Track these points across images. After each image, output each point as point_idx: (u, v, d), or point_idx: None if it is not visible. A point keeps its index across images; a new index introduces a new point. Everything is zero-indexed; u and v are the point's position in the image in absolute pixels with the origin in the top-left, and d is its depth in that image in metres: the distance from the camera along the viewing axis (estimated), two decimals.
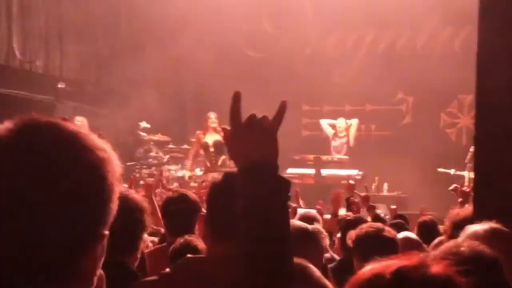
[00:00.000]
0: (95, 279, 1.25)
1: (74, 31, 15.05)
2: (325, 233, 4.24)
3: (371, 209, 7.61)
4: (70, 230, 1.18)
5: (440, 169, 12.99)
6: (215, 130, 13.12)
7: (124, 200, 2.39)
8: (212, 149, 13.09)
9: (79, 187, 1.19)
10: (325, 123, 14.88)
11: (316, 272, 2.85)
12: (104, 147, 1.25)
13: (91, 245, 1.22)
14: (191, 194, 4.85)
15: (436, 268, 1.41)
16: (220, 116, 13.69)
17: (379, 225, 4.49)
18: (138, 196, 3.38)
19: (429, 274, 1.40)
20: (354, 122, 14.64)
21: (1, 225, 1.16)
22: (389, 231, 4.33)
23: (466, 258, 2.27)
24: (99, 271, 1.27)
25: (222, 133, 12.56)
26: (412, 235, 5.01)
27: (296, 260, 2.79)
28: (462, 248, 2.35)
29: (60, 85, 14.68)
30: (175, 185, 11.95)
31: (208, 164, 13.02)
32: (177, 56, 15.42)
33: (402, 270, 1.41)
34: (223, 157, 12.95)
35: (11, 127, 1.22)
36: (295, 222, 3.94)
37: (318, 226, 4.40)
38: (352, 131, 14.53)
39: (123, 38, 15.78)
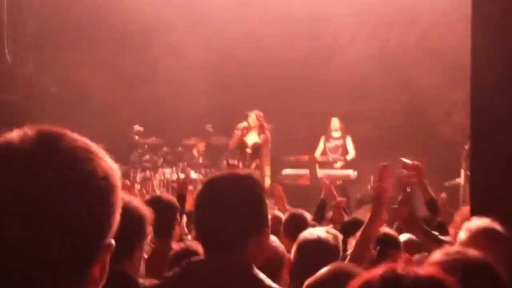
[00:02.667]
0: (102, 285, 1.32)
1: (65, 36, 15.03)
2: (340, 236, 4.20)
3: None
4: (80, 239, 1.23)
5: (447, 183, 12.71)
6: (259, 128, 12.89)
7: (125, 208, 2.40)
8: (249, 150, 12.82)
9: (90, 200, 1.25)
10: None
11: None
12: (104, 154, 1.30)
13: (99, 254, 1.28)
14: (165, 195, 4.93)
15: (425, 271, 1.41)
16: (213, 115, 13.65)
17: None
18: (139, 203, 3.32)
19: (419, 276, 1.39)
20: (349, 139, 14.52)
21: (15, 229, 1.19)
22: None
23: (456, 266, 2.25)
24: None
25: (263, 135, 12.52)
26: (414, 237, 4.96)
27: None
28: (456, 256, 2.32)
29: (52, 89, 14.65)
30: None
31: (241, 165, 12.60)
32: (168, 58, 15.39)
33: (391, 273, 1.42)
34: (256, 160, 12.78)
35: (30, 136, 1.26)
36: (321, 234, 3.85)
37: (332, 230, 4.32)
38: (350, 146, 14.43)
39: (112, 39, 15.68)
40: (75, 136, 1.29)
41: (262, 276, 2.62)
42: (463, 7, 4.46)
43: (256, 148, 12.79)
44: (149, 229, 3.35)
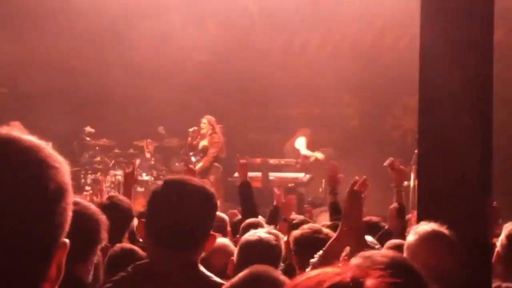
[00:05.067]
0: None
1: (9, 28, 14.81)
2: (282, 236, 4.20)
3: None
4: (37, 238, 1.24)
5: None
6: (211, 131, 13.39)
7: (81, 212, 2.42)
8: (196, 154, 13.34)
9: (44, 202, 1.25)
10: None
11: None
12: (59, 158, 1.31)
13: (54, 252, 1.28)
14: (124, 202, 4.86)
15: (371, 283, 1.37)
16: (166, 120, 13.61)
17: (317, 226, 4.45)
18: (94, 208, 3.27)
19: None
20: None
21: None
22: (327, 233, 4.28)
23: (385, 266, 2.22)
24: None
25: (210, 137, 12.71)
26: (369, 238, 4.96)
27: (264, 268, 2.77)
28: (379, 258, 2.29)
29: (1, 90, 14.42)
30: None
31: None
32: (122, 62, 15.25)
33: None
34: (201, 163, 13.17)
35: None
36: (263, 235, 3.85)
37: (273, 230, 4.31)
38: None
39: (63, 38, 15.46)
40: (24, 135, 1.29)
41: (209, 273, 2.76)
42: (417, 9, 4.47)
43: (205, 150, 13.19)
44: (104, 234, 3.33)
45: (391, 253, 2.45)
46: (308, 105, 16.23)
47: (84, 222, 3.05)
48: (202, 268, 2.75)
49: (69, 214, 1.31)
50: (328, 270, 1.36)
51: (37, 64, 15.09)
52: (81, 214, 2.94)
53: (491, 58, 3.99)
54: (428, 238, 3.27)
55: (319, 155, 14.49)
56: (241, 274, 2.64)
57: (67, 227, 1.31)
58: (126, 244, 4.05)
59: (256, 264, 2.85)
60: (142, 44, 15.26)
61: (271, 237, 3.84)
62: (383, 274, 1.37)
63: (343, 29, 16.08)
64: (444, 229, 3.33)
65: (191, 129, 13.62)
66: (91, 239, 3.17)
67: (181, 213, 2.72)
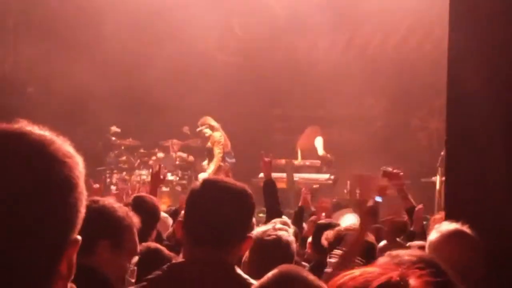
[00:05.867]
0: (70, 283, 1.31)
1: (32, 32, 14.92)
2: (291, 228, 4.20)
3: None
4: (46, 237, 1.22)
5: (423, 180, 12.92)
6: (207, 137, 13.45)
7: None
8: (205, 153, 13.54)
9: (52, 197, 1.23)
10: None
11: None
12: (70, 152, 1.28)
13: (64, 248, 1.26)
14: (151, 202, 4.87)
15: (414, 282, 1.36)
16: (191, 120, 13.69)
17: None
18: (120, 206, 3.27)
19: None
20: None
21: None
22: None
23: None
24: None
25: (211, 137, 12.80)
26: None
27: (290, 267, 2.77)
28: (406, 257, 2.30)
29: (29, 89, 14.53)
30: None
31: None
32: (147, 61, 15.32)
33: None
34: (205, 162, 13.43)
35: None
36: (278, 233, 3.84)
37: (280, 225, 4.30)
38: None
39: (91, 42, 15.59)
40: (36, 129, 1.27)
41: (245, 275, 2.74)
42: (443, 11, 4.44)
43: (210, 151, 13.32)
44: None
45: (418, 252, 2.46)
46: (333, 106, 16.18)
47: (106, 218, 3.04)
48: (238, 270, 2.74)
49: (80, 210, 1.28)
50: (370, 269, 1.36)
51: (72, 63, 15.21)
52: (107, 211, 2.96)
53: None
54: (450, 236, 3.31)
55: (330, 157, 14.54)
56: (270, 274, 2.64)
57: (78, 222, 1.28)
58: (152, 244, 4.07)
59: (269, 262, 2.85)
60: (168, 46, 15.31)
61: (284, 234, 3.81)
62: (424, 274, 1.36)
63: (368, 30, 16.03)
64: (466, 228, 3.36)
65: (198, 129, 13.59)
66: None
67: (219, 213, 2.70)
